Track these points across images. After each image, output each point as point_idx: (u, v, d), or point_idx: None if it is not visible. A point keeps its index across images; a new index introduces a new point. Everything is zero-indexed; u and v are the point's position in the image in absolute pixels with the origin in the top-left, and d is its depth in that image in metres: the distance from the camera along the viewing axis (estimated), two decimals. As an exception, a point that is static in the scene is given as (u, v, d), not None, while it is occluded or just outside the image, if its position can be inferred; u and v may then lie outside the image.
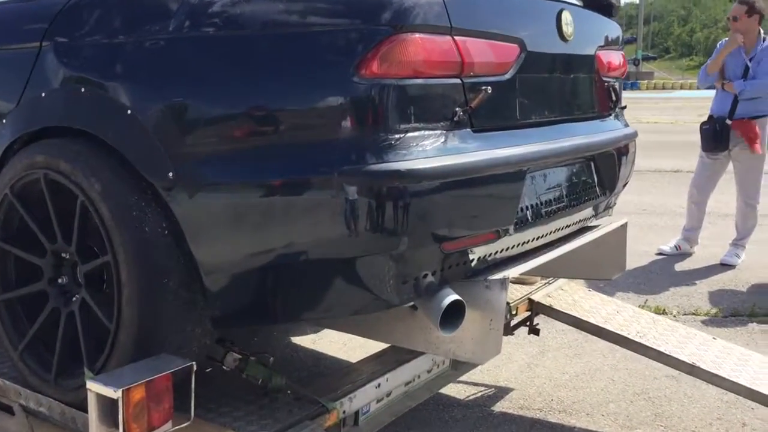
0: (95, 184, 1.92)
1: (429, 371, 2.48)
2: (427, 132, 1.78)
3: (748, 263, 5.07)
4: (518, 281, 2.93)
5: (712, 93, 5.33)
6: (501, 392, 3.17)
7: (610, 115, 2.66)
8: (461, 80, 1.85)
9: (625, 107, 2.79)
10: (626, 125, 2.77)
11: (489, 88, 1.89)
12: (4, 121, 2.19)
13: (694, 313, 4.14)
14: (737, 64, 5.05)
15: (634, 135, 2.76)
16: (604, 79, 2.58)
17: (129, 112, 1.90)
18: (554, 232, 2.36)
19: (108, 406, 1.71)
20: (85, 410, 1.80)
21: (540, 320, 2.99)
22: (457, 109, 1.84)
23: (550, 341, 3.69)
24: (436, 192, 1.77)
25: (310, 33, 1.77)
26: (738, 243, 5.17)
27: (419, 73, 1.76)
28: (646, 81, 42.67)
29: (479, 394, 3.15)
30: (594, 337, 2.94)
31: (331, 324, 2.46)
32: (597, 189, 2.55)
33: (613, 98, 2.66)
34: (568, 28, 2.24)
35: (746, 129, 4.91)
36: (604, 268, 2.81)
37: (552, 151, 2.17)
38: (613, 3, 2.61)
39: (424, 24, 1.75)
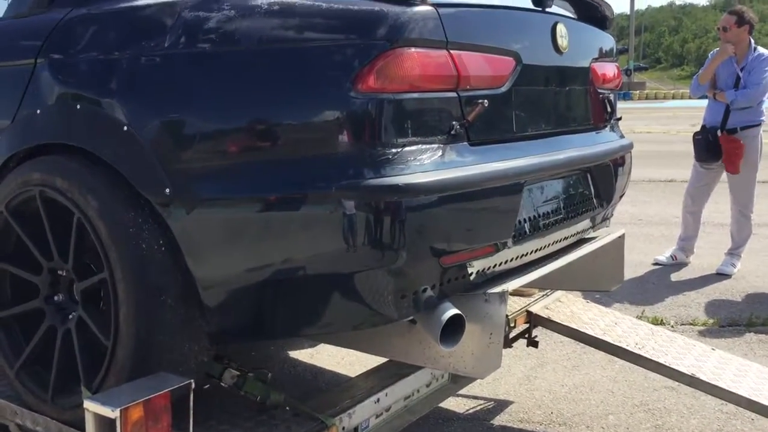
0: (91, 200, 1.91)
1: (428, 385, 2.47)
2: (424, 146, 1.78)
3: (744, 272, 5.08)
4: (516, 293, 2.93)
5: (704, 102, 5.36)
6: (500, 405, 3.16)
7: (606, 126, 2.67)
8: (458, 94, 1.85)
9: (620, 119, 2.80)
10: (622, 136, 2.78)
11: (485, 101, 1.90)
12: (-1, 138, 2.18)
13: (691, 324, 4.14)
14: (729, 74, 5.08)
15: (630, 146, 2.77)
16: (599, 90, 2.59)
17: (125, 128, 1.90)
18: (552, 244, 2.36)
19: (106, 426, 1.70)
20: (83, 430, 1.78)
21: (538, 332, 2.99)
22: (453, 122, 1.84)
23: (549, 353, 3.68)
24: (434, 206, 1.76)
25: (307, 48, 1.77)
26: (734, 252, 5.18)
27: (416, 87, 1.76)
28: (638, 91, 42.92)
29: (479, 408, 3.14)
30: (592, 348, 2.93)
31: (330, 339, 2.44)
32: (594, 200, 2.56)
33: (609, 110, 2.67)
34: (562, 41, 2.25)
35: (731, 147, 4.93)
36: (602, 280, 2.81)
37: (549, 163, 2.18)
38: (607, 15, 2.63)
39: (420, 38, 1.75)
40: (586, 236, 2.66)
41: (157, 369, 1.87)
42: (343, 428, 2.09)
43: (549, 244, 2.34)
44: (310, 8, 1.81)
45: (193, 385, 1.80)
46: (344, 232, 1.71)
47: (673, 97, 40.54)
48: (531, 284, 2.43)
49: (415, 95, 1.77)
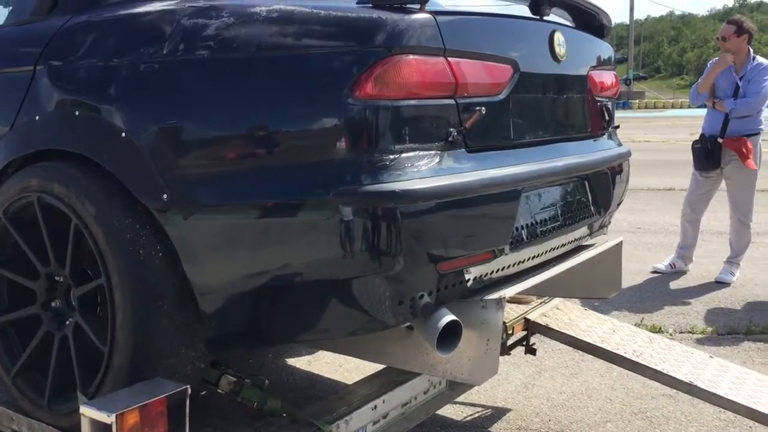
0: (89, 207, 1.91)
1: (426, 392, 2.47)
2: (421, 152, 1.79)
3: (743, 281, 5.08)
4: (514, 300, 2.92)
5: (703, 111, 5.37)
6: (498, 413, 3.15)
7: (604, 134, 2.68)
8: (455, 101, 1.86)
9: (618, 126, 2.81)
10: (620, 144, 2.78)
11: (483, 108, 1.90)
12: (-2, 144, 2.18)
13: (690, 332, 4.14)
14: (728, 83, 5.10)
15: (628, 154, 2.77)
16: (597, 98, 2.60)
17: (123, 134, 1.90)
18: (550, 251, 2.36)
19: (102, 431, 1.69)
20: (79, 435, 1.78)
21: (536, 339, 2.99)
22: (451, 129, 1.84)
23: (547, 361, 3.67)
24: (431, 212, 1.77)
25: (305, 55, 1.78)
26: (732, 260, 5.18)
27: (413, 95, 1.76)
28: (637, 100, 43.05)
29: (476, 415, 3.13)
30: (590, 356, 2.93)
31: (327, 345, 2.44)
32: (592, 208, 2.56)
33: (606, 118, 2.68)
34: (560, 49, 2.26)
35: (738, 145, 4.94)
36: (599, 287, 2.82)
37: (546, 170, 2.18)
38: (605, 24, 2.64)
39: (417, 46, 1.76)
40: (584, 243, 2.67)
41: (154, 375, 1.87)
42: (340, 435, 2.09)
43: (546, 251, 2.34)
44: (309, 16, 1.82)
45: (189, 391, 1.80)
46: (341, 238, 1.72)
47: (672, 107, 40.65)
48: (529, 291, 2.44)
49: (413, 102, 1.77)
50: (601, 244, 2.70)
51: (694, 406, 3.11)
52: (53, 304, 2.11)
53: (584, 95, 2.52)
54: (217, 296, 1.90)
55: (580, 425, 3.03)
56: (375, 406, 2.23)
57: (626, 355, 2.73)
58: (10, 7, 2.50)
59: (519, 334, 2.89)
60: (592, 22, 2.61)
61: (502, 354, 2.69)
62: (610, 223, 2.81)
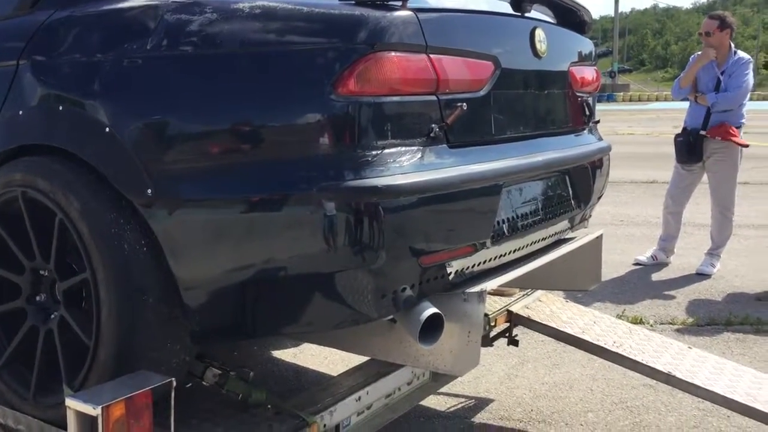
0: (73, 201, 1.92)
1: (409, 383, 2.50)
2: (403, 148, 1.81)
3: (724, 272, 5.15)
4: (497, 293, 2.96)
5: (686, 105, 5.43)
6: (481, 403, 3.20)
7: (584, 129, 2.71)
8: (437, 97, 1.88)
9: (598, 121, 2.84)
10: (600, 139, 2.82)
11: (464, 104, 1.93)
12: (-19, 139, 2.18)
13: (670, 323, 4.20)
14: (709, 78, 5.15)
15: (608, 149, 2.81)
16: (578, 94, 2.63)
17: (107, 129, 1.91)
18: (531, 244, 2.40)
19: (87, 424, 1.71)
20: (65, 428, 1.79)
21: (519, 331, 3.02)
22: (433, 125, 1.87)
23: (529, 352, 3.72)
24: (413, 207, 1.79)
25: (288, 51, 1.80)
26: (713, 252, 5.25)
27: (395, 91, 1.79)
28: (622, 93, 43.26)
29: (460, 406, 3.17)
30: (572, 347, 2.97)
31: (312, 338, 2.47)
32: (572, 202, 2.59)
33: (587, 113, 2.71)
34: (541, 45, 2.28)
35: (722, 131, 5.00)
36: (580, 279, 2.86)
37: (527, 165, 2.21)
38: (586, 20, 2.67)
39: (399, 42, 1.78)
40: (565, 237, 2.70)
41: (139, 368, 1.88)
42: (325, 426, 2.12)
43: (527, 245, 2.37)
44: (292, 12, 1.83)
45: (174, 384, 1.81)
46: (325, 233, 1.74)
47: (657, 99, 40.89)
48: (510, 284, 2.47)
49: (395, 98, 1.80)
50: (582, 238, 2.74)
51: (673, 396, 3.16)
52: (38, 298, 2.12)
53: (565, 91, 2.55)
54: (202, 290, 1.91)
55: (561, 415, 3.08)
56: (359, 398, 2.26)
57: (606, 346, 2.78)
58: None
59: (502, 325, 2.93)
60: (572, 19, 2.63)
61: (485, 345, 2.73)
62: (590, 216, 2.85)
